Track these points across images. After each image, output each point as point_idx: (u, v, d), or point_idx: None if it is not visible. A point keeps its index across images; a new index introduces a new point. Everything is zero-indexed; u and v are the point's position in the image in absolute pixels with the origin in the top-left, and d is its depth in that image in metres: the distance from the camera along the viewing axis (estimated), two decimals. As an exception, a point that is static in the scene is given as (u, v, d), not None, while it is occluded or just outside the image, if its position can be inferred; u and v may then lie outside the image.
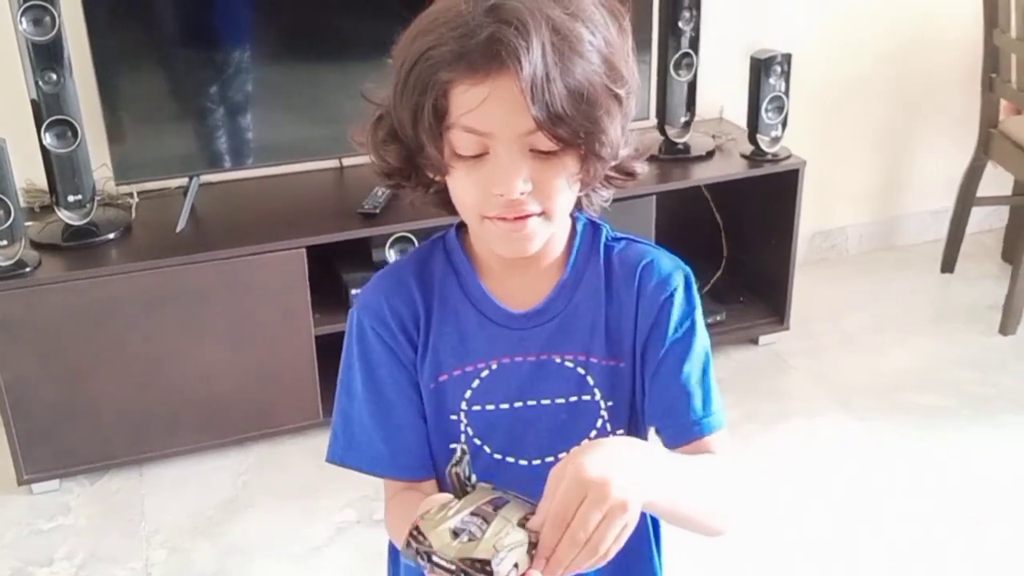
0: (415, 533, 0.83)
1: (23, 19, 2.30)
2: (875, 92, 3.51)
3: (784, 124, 2.98)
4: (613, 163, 0.98)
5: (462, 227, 1.09)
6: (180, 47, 2.64)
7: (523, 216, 0.96)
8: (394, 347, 1.07)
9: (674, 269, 1.08)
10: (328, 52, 2.65)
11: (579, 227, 1.08)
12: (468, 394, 1.07)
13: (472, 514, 0.85)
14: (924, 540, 2.35)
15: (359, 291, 1.10)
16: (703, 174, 3.00)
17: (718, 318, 3.07)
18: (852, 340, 3.19)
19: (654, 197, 2.93)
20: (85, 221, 2.52)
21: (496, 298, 1.07)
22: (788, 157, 2.99)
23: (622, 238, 1.11)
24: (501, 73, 0.89)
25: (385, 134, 1.00)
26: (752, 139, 2.99)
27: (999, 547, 2.33)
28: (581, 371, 1.06)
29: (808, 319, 3.22)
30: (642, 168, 1.05)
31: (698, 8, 2.92)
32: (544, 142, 0.92)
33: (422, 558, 0.83)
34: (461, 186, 0.97)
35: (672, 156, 3.02)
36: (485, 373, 1.06)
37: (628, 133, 0.99)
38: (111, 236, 2.53)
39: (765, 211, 3.12)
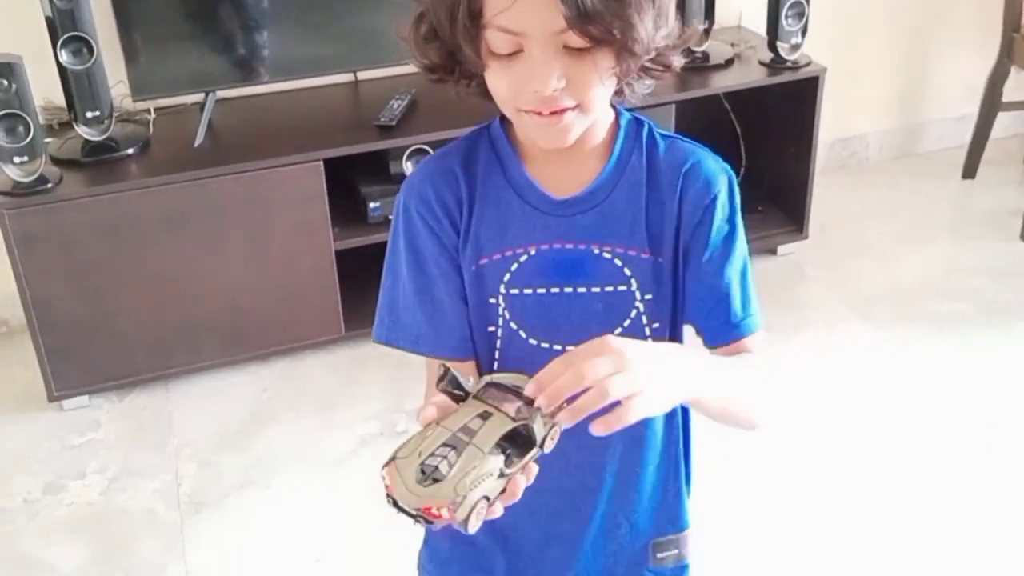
0: (385, 474, 0.84)
1: (35, -67, 2.29)
2: (894, -3, 3.45)
3: (804, 31, 2.94)
4: (647, 57, 0.98)
5: (506, 117, 1.10)
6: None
7: (558, 111, 0.97)
8: (437, 230, 1.09)
9: (719, 172, 1.09)
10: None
11: (623, 121, 1.09)
12: (507, 277, 1.08)
13: (445, 444, 0.85)
14: (939, 444, 2.38)
15: (405, 178, 1.11)
16: (722, 82, 2.97)
17: (737, 228, 3.06)
18: (871, 249, 3.19)
19: (673, 106, 2.92)
20: (104, 137, 2.52)
21: (539, 184, 1.08)
22: (808, 64, 2.95)
23: (667, 135, 1.11)
24: None
25: (426, 31, 1.01)
26: (772, 46, 2.96)
27: (1012, 450, 2.36)
28: (619, 263, 1.07)
29: (827, 228, 3.22)
30: (679, 61, 1.03)
31: (717, -88, 2.87)
32: (576, 40, 0.92)
33: (389, 501, 0.83)
34: (498, 83, 0.99)
35: (690, 64, 2.98)
36: (524, 258, 1.08)
37: (667, 26, 0.99)
38: (130, 151, 2.54)
39: (784, 119, 3.09)
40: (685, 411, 1.19)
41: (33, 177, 2.36)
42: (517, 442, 0.86)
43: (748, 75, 2.98)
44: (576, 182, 1.08)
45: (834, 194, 3.38)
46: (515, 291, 1.08)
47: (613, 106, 1.08)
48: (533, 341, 1.10)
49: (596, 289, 1.08)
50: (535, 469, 0.87)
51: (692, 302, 1.09)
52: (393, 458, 0.85)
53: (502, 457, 0.84)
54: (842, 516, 2.21)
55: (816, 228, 3.13)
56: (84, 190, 2.42)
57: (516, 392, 0.89)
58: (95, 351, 2.53)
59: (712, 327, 1.09)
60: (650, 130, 1.10)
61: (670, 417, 1.17)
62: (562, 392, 0.83)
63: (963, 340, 2.74)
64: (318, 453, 2.41)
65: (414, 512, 0.82)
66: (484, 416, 0.87)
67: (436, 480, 0.82)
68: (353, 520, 2.22)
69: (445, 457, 0.83)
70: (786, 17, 2.91)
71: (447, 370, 0.90)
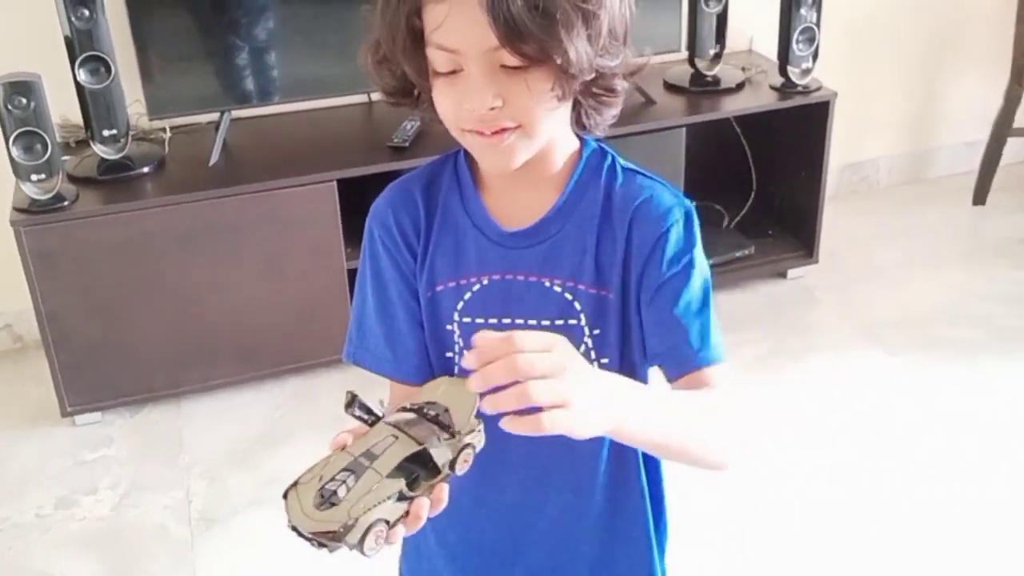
0: (287, 498, 0.85)
1: (55, -46, 2.32)
2: (907, 22, 3.47)
3: (815, 56, 2.95)
4: (587, 78, 0.97)
5: None
6: (210, -19, 2.65)
7: (499, 131, 0.97)
8: (396, 255, 1.10)
9: (673, 205, 1.06)
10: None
11: (585, 152, 1.08)
12: (460, 306, 1.09)
13: (346, 468, 0.85)
14: (951, 471, 2.38)
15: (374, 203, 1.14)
16: (733, 106, 2.99)
17: (746, 252, 3.08)
18: (882, 274, 3.19)
19: (684, 129, 2.93)
20: (120, 155, 2.55)
21: (493, 215, 1.08)
22: (819, 89, 2.97)
23: (629, 169, 1.09)
24: None
25: (380, 56, 1.02)
26: (782, 71, 2.97)
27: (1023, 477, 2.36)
28: (568, 296, 1.06)
29: (837, 252, 3.22)
30: (622, 85, 1.02)
31: (729, -62, 2.89)
32: (510, 58, 0.93)
33: (289, 527, 0.84)
34: (441, 102, 0.99)
35: (702, 88, 3.01)
36: (476, 287, 1.08)
37: (609, 48, 0.98)
38: (145, 170, 2.56)
39: (795, 143, 3.11)
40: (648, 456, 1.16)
41: (50, 195, 2.38)
42: (426, 465, 0.86)
43: (759, 99, 3.00)
44: (530, 212, 1.07)
45: (844, 219, 3.38)
46: (467, 319, 1.09)
47: (579, 136, 1.08)
48: None
49: (546, 322, 1.07)
50: (444, 492, 0.87)
51: (648, 336, 1.06)
52: (295, 484, 0.86)
53: (402, 480, 0.84)
54: (850, 541, 2.20)
55: (826, 252, 3.13)
56: (100, 208, 2.44)
57: (427, 415, 0.90)
58: (108, 367, 2.55)
59: (668, 359, 1.06)
60: (612, 162, 1.09)
61: (619, 460, 1.14)
62: (493, 379, 0.80)
63: (973, 366, 2.73)
64: (329, 472, 2.41)
65: (309, 536, 0.82)
66: (390, 440, 0.87)
67: (333, 504, 0.82)
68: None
69: (344, 481, 0.83)
70: (797, 42, 2.92)
71: (354, 396, 0.90)
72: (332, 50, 2.75)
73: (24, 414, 2.63)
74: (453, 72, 0.95)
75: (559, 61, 0.93)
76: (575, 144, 1.08)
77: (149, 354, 2.57)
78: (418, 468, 0.85)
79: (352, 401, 0.90)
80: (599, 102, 1.03)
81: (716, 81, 3.03)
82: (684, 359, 1.04)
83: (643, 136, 2.83)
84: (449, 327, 1.10)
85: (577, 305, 1.06)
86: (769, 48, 3.05)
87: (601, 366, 1.07)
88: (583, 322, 1.06)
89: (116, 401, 2.60)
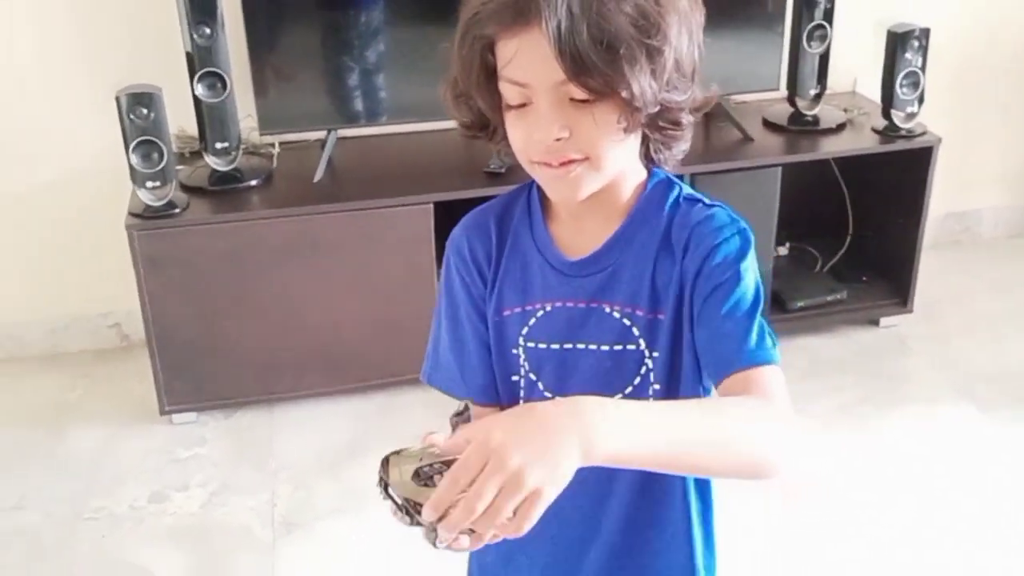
0: (386, 462, 0.89)
1: (181, -26, 2.44)
2: (1017, 70, 3.42)
3: (920, 100, 2.93)
4: (652, 111, 1.01)
5: None
6: (324, 8, 2.76)
7: (566, 162, 1.01)
8: (468, 281, 1.16)
9: (728, 225, 1.08)
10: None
11: (651, 183, 1.12)
12: (525, 331, 1.14)
13: (442, 463, 0.87)
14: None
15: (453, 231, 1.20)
16: (831, 147, 2.98)
17: (838, 296, 3.06)
18: (979, 327, 3.13)
19: (780, 168, 2.91)
20: (230, 167, 2.66)
21: (557, 244, 1.13)
22: (922, 134, 2.94)
23: (695, 199, 1.12)
24: (530, 26, 0.96)
25: (458, 91, 1.07)
26: (885, 114, 2.96)
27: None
28: (627, 322, 1.10)
29: (934, 303, 3.17)
30: (688, 120, 1.06)
31: (834, -20, 2.90)
32: (578, 92, 0.97)
33: (380, 486, 0.88)
34: (512, 133, 1.04)
35: (800, 127, 3.02)
36: (540, 313, 1.13)
37: (683, 80, 1.02)
38: (254, 183, 2.67)
39: (895, 188, 3.08)
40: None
41: (163, 202, 2.50)
42: None
43: (859, 141, 2.98)
44: (592, 241, 1.11)
45: (943, 268, 3.32)
46: (531, 344, 1.14)
47: (648, 167, 1.11)
48: (549, 393, 1.14)
49: (605, 347, 1.11)
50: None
51: (699, 347, 1.06)
52: (397, 452, 0.90)
53: None
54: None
55: (922, 302, 3.08)
56: (208, 216, 2.55)
57: None
58: (206, 370, 2.65)
59: (712, 362, 1.05)
60: (678, 193, 1.12)
61: (651, 494, 1.16)
62: (457, 525, 0.81)
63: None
64: (409, 486, 2.46)
65: (401, 502, 0.85)
66: None
67: (428, 486, 0.86)
68: (437, 555, 2.25)
69: (441, 472, 0.86)
70: (901, 85, 2.90)
71: (467, 407, 0.94)
72: (437, 75, 2.81)
73: (126, 410, 2.75)
74: (523, 105, 1.00)
75: (624, 95, 0.96)
76: (643, 175, 1.12)
77: (245, 360, 2.67)
78: None
79: (463, 411, 0.95)
80: (666, 136, 1.07)
81: (816, 121, 3.03)
82: (729, 359, 1.02)
83: (738, 173, 2.84)
84: (515, 351, 1.15)
85: (635, 330, 1.10)
86: (874, 90, 3.03)
87: (655, 391, 1.10)
88: (643, 346, 1.10)
89: (211, 403, 2.71)
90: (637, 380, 1.11)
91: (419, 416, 2.70)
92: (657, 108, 1.00)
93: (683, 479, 1.16)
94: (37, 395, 2.86)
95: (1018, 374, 2.89)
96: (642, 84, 0.96)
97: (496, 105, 1.03)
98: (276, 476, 2.52)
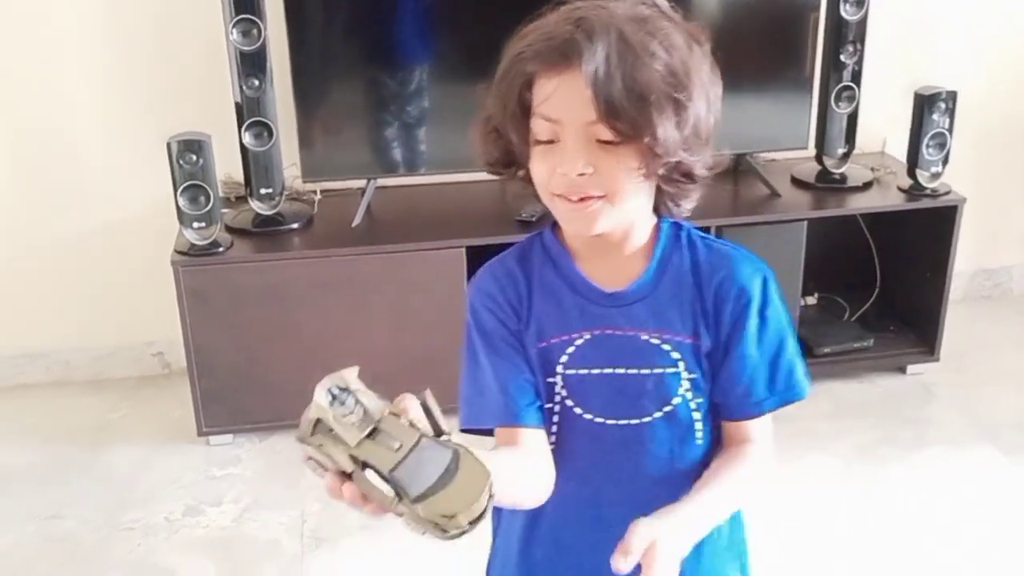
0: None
1: (234, 30, 2.64)
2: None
3: (945, 161, 2.99)
4: (670, 160, 1.12)
5: (556, 226, 1.27)
6: (369, 64, 2.94)
7: (585, 198, 1.13)
8: (503, 318, 1.25)
9: (753, 274, 1.22)
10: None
11: (663, 226, 1.25)
12: (564, 359, 1.24)
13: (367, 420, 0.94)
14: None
15: (470, 286, 1.30)
16: (857, 203, 3.07)
17: (865, 344, 3.12)
18: (1006, 378, 3.16)
19: (805, 223, 3.00)
20: (273, 212, 2.84)
21: (588, 277, 1.24)
22: (947, 193, 3.01)
23: (705, 237, 1.26)
24: (571, 68, 1.08)
25: (489, 129, 1.20)
26: (911, 173, 3.03)
27: None
28: (666, 347, 1.22)
29: (961, 353, 3.21)
30: (702, 172, 1.17)
31: (862, 42, 2.99)
32: (606, 132, 1.09)
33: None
34: (537, 167, 1.16)
35: (827, 185, 3.11)
36: (580, 341, 1.23)
37: (697, 141, 1.14)
38: (295, 226, 2.85)
39: (921, 245, 3.15)
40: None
41: (208, 241, 2.68)
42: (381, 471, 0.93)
43: (886, 199, 3.06)
44: (622, 277, 1.23)
45: (972, 322, 3.37)
46: (572, 371, 1.23)
47: (657, 216, 1.24)
48: (588, 416, 1.24)
49: (646, 371, 1.22)
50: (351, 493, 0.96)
51: (716, 386, 1.23)
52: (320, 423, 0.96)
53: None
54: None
55: (949, 352, 3.12)
56: (251, 255, 2.73)
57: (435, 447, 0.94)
58: (243, 396, 2.82)
59: (723, 405, 1.24)
60: (689, 233, 1.25)
61: None
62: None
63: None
64: (434, 512, 2.57)
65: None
66: (407, 436, 0.93)
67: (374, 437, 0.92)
68: (458, 572, 2.36)
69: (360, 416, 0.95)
70: (927, 146, 2.97)
71: (426, 399, 0.99)
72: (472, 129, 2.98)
73: (165, 431, 2.92)
74: (551, 141, 1.12)
75: (648, 141, 1.08)
76: (654, 220, 1.24)
77: (281, 388, 2.82)
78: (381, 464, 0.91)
79: (425, 403, 0.98)
80: (678, 189, 1.18)
81: (843, 179, 3.12)
82: (732, 409, 1.24)
83: (765, 227, 2.94)
84: (551, 380, 1.24)
85: (675, 355, 1.21)
86: (902, 150, 3.10)
87: (697, 405, 1.24)
88: (680, 368, 1.22)
89: (248, 426, 2.88)
90: (676, 400, 1.22)
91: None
92: (675, 160, 1.12)
93: None
94: (80, 416, 3.03)
95: (1042, 422, 2.91)
96: (666, 131, 1.08)
97: (525, 139, 1.14)
98: (307, 494, 2.65)
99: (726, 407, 1.24)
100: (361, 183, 2.98)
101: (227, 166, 2.88)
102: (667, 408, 1.22)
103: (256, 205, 2.83)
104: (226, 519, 2.58)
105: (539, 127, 1.12)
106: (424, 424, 0.94)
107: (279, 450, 2.85)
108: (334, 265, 2.75)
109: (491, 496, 0.91)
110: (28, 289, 3.11)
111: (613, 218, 1.15)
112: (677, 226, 1.25)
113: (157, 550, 2.49)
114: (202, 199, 2.65)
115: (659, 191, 1.19)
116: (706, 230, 1.29)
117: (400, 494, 0.90)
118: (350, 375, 0.96)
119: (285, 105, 2.78)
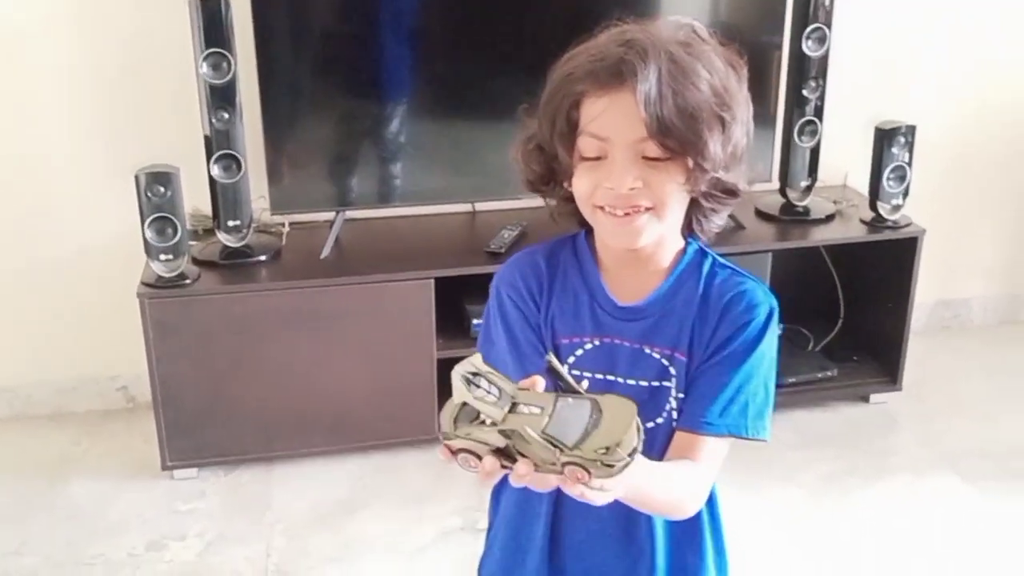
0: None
1: (204, 64, 2.64)
2: (1001, 163, 3.54)
3: (906, 193, 3.05)
4: (714, 175, 1.17)
5: (590, 232, 1.32)
6: (338, 97, 2.95)
7: (634, 208, 1.17)
8: (523, 307, 1.31)
9: (763, 301, 1.26)
10: (473, 110, 2.92)
11: (690, 249, 1.29)
12: (571, 360, 1.29)
13: (503, 395, 0.98)
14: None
15: (497, 270, 1.37)
16: (820, 235, 3.12)
17: (828, 373, 3.17)
18: (967, 407, 3.22)
19: (769, 255, 3.05)
20: (241, 244, 2.83)
21: (608, 289, 1.29)
22: (907, 225, 3.07)
23: (727, 267, 1.30)
24: (622, 88, 1.13)
25: (533, 146, 1.25)
26: (872, 206, 3.08)
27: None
28: (665, 362, 1.26)
29: (923, 382, 3.26)
30: (744, 186, 1.24)
31: (824, 78, 3.04)
32: (654, 149, 1.14)
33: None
34: (581, 182, 1.20)
35: (791, 217, 3.15)
36: (588, 346, 1.29)
37: (735, 159, 1.19)
38: (263, 258, 2.85)
39: (883, 276, 3.20)
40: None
41: (174, 273, 2.67)
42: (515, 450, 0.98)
43: (848, 231, 3.12)
44: (637, 292, 1.27)
45: (934, 352, 3.43)
46: (576, 373, 1.28)
47: (685, 238, 1.28)
48: None
49: (644, 383, 1.27)
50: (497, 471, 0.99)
51: (687, 390, 1.26)
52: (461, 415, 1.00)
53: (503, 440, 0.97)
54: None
55: (911, 381, 3.18)
56: (217, 288, 2.73)
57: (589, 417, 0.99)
58: (208, 430, 2.81)
59: (686, 411, 1.25)
60: (712, 260, 1.30)
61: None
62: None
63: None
64: (402, 540, 2.60)
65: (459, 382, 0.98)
66: (539, 410, 0.98)
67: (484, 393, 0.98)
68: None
69: (498, 399, 0.98)
70: (888, 179, 3.03)
71: (556, 363, 1.05)
72: (443, 163, 3.01)
73: (129, 465, 2.89)
74: (598, 158, 1.16)
75: (694, 157, 1.14)
76: (681, 243, 1.28)
77: (247, 421, 2.82)
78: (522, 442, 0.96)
79: (552, 365, 1.05)
80: (716, 204, 1.24)
81: (806, 212, 3.16)
82: (689, 418, 1.24)
83: (730, 258, 2.95)
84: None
85: (672, 370, 1.26)
86: (863, 183, 3.16)
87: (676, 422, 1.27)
88: (673, 384, 1.26)
89: (213, 460, 2.86)
90: (664, 414, 1.27)
91: (416, 475, 2.84)
92: (717, 175, 1.17)
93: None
94: (43, 450, 3.00)
95: (1004, 451, 2.97)
96: (714, 148, 1.14)
97: (570, 156, 1.18)
98: (272, 528, 2.64)
99: (680, 415, 1.27)
100: (330, 215, 2.99)
101: (195, 198, 2.88)
102: (659, 419, 1.27)
103: (223, 237, 2.82)
104: (190, 554, 2.56)
105: (586, 144, 1.17)
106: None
107: (244, 483, 2.83)
108: (302, 297, 2.75)
109: (640, 427, 0.98)
110: (-10, 321, 3.08)
111: (656, 231, 1.20)
112: (703, 252, 1.30)
113: (120, 587, 2.47)
114: (169, 231, 2.65)
115: (691, 208, 1.23)
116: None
117: (559, 447, 0.95)
118: (477, 360, 1.01)
119: (254, 138, 2.79)
